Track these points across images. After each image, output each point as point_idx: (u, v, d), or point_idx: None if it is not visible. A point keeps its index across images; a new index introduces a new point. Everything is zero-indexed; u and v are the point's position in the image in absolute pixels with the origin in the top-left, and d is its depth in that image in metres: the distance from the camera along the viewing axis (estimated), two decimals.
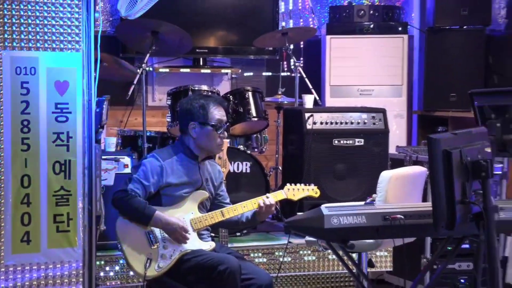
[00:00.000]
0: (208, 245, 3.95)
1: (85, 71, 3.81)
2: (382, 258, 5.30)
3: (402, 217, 3.34)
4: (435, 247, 5.16)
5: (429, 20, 6.51)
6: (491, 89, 5.91)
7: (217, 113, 3.99)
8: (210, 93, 5.25)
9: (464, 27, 6.37)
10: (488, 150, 3.14)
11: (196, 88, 5.33)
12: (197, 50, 6.29)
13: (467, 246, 3.65)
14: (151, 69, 6.23)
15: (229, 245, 4.74)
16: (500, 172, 5.46)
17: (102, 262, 4.66)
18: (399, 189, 3.85)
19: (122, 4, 5.17)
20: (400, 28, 6.58)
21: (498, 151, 3.60)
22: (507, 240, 5.42)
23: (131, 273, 4.44)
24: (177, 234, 3.84)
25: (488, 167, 2.99)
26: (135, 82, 5.20)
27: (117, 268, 4.70)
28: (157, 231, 3.87)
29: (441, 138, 3.00)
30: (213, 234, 4.26)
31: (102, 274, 4.67)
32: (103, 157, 4.36)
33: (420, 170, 4.13)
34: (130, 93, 5.22)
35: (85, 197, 3.83)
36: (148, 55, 5.27)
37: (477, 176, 3.00)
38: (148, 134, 5.29)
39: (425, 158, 4.91)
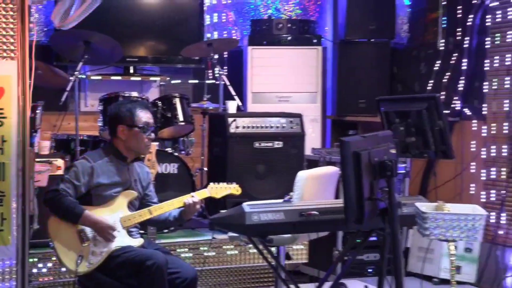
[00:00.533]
0: (137, 242, 3.91)
1: (20, 78, 3.72)
2: (299, 251, 5.35)
3: (317, 213, 3.38)
4: (346, 240, 5.24)
5: (341, 34, 6.62)
6: (395, 96, 6.06)
7: (144, 116, 3.99)
8: (139, 99, 5.22)
9: (372, 40, 6.49)
10: (393, 151, 3.19)
11: (126, 95, 5.32)
12: (128, 59, 6.23)
13: (374, 238, 3.70)
14: (83, 76, 6.13)
15: (157, 242, 4.72)
16: (403, 171, 5.62)
17: (35, 259, 4.58)
18: (314, 187, 3.89)
19: (55, 15, 5.06)
20: (315, 41, 6.66)
21: (402, 152, 3.68)
22: (409, 232, 5.57)
23: (63, 269, 4.35)
24: (104, 233, 3.80)
25: (393, 166, 3.04)
26: (68, 88, 5.10)
27: (49, 264, 4.62)
28: (88, 230, 3.81)
29: (351, 141, 3.04)
30: (142, 231, 4.22)
31: (35, 270, 4.58)
32: (37, 159, 4.26)
33: (333, 170, 4.18)
34: (63, 99, 5.12)
35: (19, 198, 3.74)
36: (80, 63, 5.18)
37: (383, 175, 3.05)
38: (80, 137, 5.21)
39: (338, 159, 4.97)
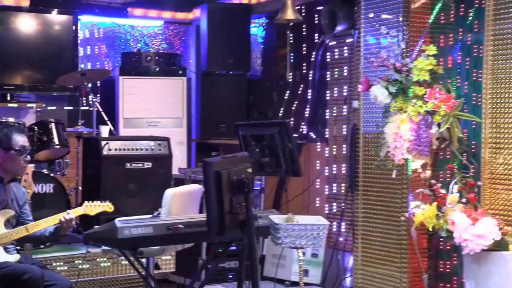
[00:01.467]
0: (13, 258, 3.76)
1: None
2: (167, 261, 5.32)
3: (182, 226, 3.39)
4: (209, 250, 5.27)
5: (203, 66, 6.69)
6: (251, 121, 6.20)
7: (20, 140, 3.92)
8: (16, 124, 5.06)
9: (230, 72, 6.61)
10: (250, 170, 3.26)
11: (3, 120, 5.18)
12: (5, 87, 6.00)
13: (234, 248, 3.77)
14: None
15: (34, 256, 4.54)
16: (259, 188, 5.75)
17: None
18: (180, 203, 3.90)
19: None
20: (180, 72, 6.72)
21: (257, 171, 3.76)
22: (265, 241, 5.68)
23: None
24: None
25: (250, 184, 3.10)
26: None
27: None
28: None
29: (213, 161, 3.08)
30: (18, 247, 4.06)
31: None
32: None
33: (197, 188, 4.21)
34: None
35: None
36: None
37: (241, 191, 3.10)
38: None
39: (201, 178, 4.99)
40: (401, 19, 4.80)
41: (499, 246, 4.04)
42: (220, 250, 4.21)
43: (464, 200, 4.35)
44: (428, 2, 4.79)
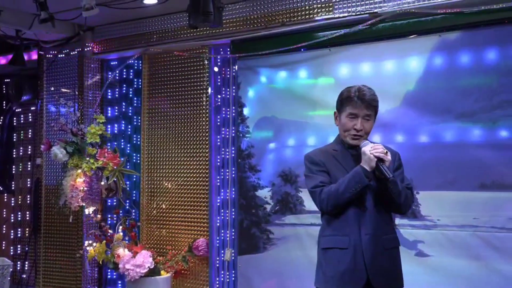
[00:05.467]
0: None
1: None
2: None
3: None
4: None
5: None
6: None
7: None
8: None
9: None
10: None
11: None
12: None
13: None
14: None
15: None
16: None
17: None
18: None
19: None
20: None
21: None
22: None
23: None
24: None
25: None
26: None
27: None
28: None
29: None
30: None
31: None
32: None
33: None
34: None
35: None
36: None
37: None
38: None
39: None
40: (76, 92, 5.25)
41: (153, 272, 4.66)
42: None
43: (127, 238, 4.90)
44: (98, 80, 5.29)
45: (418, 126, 3.96)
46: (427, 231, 3.92)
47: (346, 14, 4.11)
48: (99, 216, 4.98)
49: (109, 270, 5.16)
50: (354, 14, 4.08)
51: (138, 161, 5.22)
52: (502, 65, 3.71)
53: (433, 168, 3.89)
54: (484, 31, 3.75)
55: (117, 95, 5.39)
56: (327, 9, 4.19)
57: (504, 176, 3.68)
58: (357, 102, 2.74)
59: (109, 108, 5.38)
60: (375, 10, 4.00)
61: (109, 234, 4.83)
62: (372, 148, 2.68)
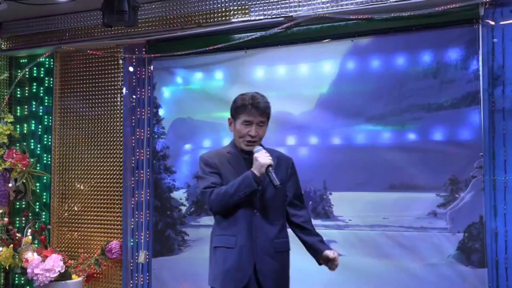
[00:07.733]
0: None
1: None
2: None
3: None
4: None
5: None
6: None
7: None
8: None
9: None
10: None
11: None
12: None
13: None
14: None
15: None
16: None
17: None
18: None
19: None
20: None
21: None
22: None
23: None
24: None
25: None
26: None
27: None
28: None
29: None
30: None
31: None
32: None
33: None
34: None
35: None
36: None
37: None
38: None
39: None
40: None
41: (64, 276, 4.57)
42: None
43: (36, 241, 4.79)
44: (6, 78, 5.09)
45: (331, 129, 4.04)
46: (339, 231, 3.99)
47: (262, 17, 4.17)
48: (6, 219, 4.86)
49: (16, 275, 5.01)
50: (270, 17, 4.14)
51: (49, 162, 5.10)
52: (411, 70, 3.84)
53: (346, 170, 3.98)
54: (394, 37, 3.87)
55: (27, 94, 5.21)
56: (243, 12, 4.23)
57: (413, 177, 3.79)
58: (252, 109, 2.82)
59: (18, 107, 5.19)
60: (290, 14, 4.07)
61: (17, 237, 4.73)
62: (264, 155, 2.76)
